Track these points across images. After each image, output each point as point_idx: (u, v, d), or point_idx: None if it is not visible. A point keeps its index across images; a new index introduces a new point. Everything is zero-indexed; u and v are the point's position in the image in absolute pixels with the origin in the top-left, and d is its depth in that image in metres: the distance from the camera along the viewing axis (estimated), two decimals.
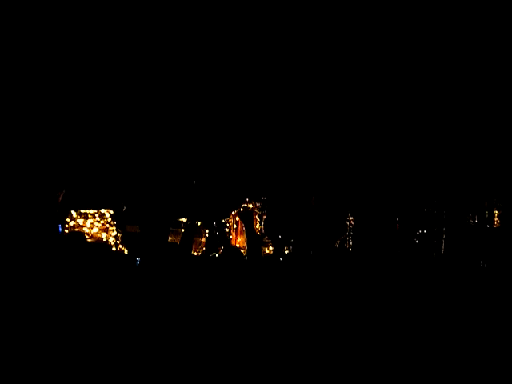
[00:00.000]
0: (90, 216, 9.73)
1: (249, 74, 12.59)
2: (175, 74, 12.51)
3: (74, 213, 9.52)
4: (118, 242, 9.77)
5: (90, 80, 12.18)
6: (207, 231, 10.03)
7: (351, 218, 11.15)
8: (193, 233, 5.70)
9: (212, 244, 9.91)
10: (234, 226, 10.10)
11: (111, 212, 9.88)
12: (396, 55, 12.47)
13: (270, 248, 6.30)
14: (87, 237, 7.96)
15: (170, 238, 8.80)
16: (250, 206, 10.41)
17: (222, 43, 12.35)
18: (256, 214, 9.28)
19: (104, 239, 9.56)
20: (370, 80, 12.60)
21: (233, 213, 10.45)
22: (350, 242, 10.93)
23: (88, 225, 9.67)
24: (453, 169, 12.27)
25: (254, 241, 5.44)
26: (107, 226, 9.77)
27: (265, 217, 10.28)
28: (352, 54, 12.48)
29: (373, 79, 12.59)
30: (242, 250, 7.28)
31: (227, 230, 10.14)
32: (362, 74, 12.59)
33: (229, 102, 12.62)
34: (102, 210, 9.83)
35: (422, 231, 10.93)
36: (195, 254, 8.34)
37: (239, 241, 8.05)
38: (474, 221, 10.84)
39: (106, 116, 12.38)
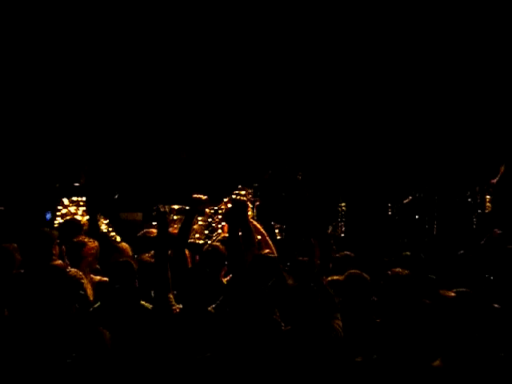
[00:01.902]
0: (82, 203, 9.71)
1: (235, 60, 12.60)
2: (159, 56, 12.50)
3: (66, 200, 9.49)
4: (110, 229, 9.76)
5: (82, 67, 12.18)
6: (199, 218, 10.02)
7: (343, 204, 11.19)
8: (192, 220, 5.65)
9: (205, 231, 9.90)
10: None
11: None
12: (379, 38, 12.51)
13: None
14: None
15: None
16: (243, 192, 10.40)
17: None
18: (248, 201, 9.26)
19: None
20: (357, 66, 12.63)
21: (225, 200, 10.42)
22: (342, 228, 10.98)
23: (80, 212, 9.65)
24: (444, 154, 12.33)
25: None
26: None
27: (257, 203, 10.28)
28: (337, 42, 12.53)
29: (359, 65, 12.63)
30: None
31: (219, 216, 10.13)
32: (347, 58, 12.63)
33: (219, 88, 12.62)
34: None
35: (414, 216, 10.99)
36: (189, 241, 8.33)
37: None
38: (466, 206, 10.89)
39: (95, 102, 12.37)
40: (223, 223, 9.88)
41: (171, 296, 5.01)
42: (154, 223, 8.30)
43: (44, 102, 11.80)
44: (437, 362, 3.98)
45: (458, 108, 12.57)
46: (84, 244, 6.07)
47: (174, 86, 12.55)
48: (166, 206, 7.65)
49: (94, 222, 7.83)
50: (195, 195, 6.18)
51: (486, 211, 10.91)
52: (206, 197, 6.20)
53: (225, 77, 12.60)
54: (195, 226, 9.73)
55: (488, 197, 10.95)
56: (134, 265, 5.33)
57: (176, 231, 6.02)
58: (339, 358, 4.30)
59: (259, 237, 6.52)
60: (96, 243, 6.18)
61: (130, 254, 6.47)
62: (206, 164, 12.15)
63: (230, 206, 9.95)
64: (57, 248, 5.98)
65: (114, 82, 12.30)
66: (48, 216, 9.91)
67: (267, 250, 6.40)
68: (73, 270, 5.49)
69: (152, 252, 5.94)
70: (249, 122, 12.53)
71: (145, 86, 12.42)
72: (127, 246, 6.63)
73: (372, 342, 4.46)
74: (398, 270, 5.29)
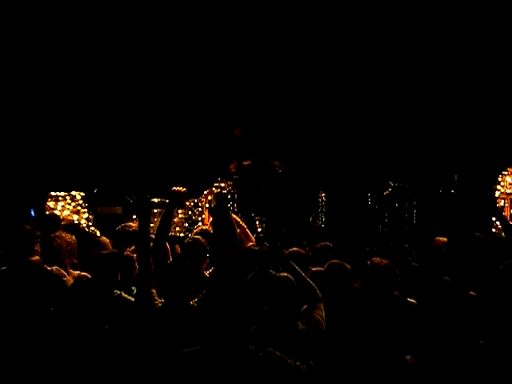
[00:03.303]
0: (60, 198, 9.66)
1: (217, 51, 12.55)
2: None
3: (53, 193, 9.47)
4: (90, 224, 9.72)
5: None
6: (180, 211, 10.00)
7: (323, 194, 11.20)
8: (172, 213, 5.59)
9: (185, 224, 9.89)
10: (207, 205, 10.07)
11: (82, 194, 9.83)
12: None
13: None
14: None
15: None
16: (222, 184, 10.39)
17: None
18: (228, 194, 9.28)
19: (76, 221, 9.51)
20: (339, 56, 12.64)
21: (205, 192, 10.41)
22: (322, 219, 10.99)
23: (59, 207, 9.60)
24: (422, 143, 12.38)
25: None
26: (78, 208, 9.72)
27: (236, 196, 10.28)
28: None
29: (342, 55, 12.64)
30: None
31: (200, 209, 10.12)
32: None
33: (200, 78, 12.57)
34: (73, 193, 9.77)
35: (394, 205, 11.02)
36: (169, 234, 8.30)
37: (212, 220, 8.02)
38: (445, 194, 10.94)
39: (76, 96, 12.27)
40: (203, 215, 9.89)
41: (154, 291, 4.97)
42: (134, 217, 8.27)
43: (21, 96, 11.69)
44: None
45: (438, 98, 12.62)
46: (62, 239, 6.02)
47: (153, 77, 12.48)
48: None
49: None
50: (174, 188, 6.13)
51: (464, 199, 10.96)
52: (184, 189, 6.15)
53: (206, 67, 12.54)
54: (175, 219, 9.72)
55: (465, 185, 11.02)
56: (117, 259, 5.30)
57: (156, 225, 5.98)
58: (323, 348, 4.30)
59: (238, 229, 6.51)
60: (73, 238, 6.14)
61: (110, 248, 6.43)
62: (185, 156, 12.10)
63: (210, 198, 9.96)
64: (38, 246, 5.93)
65: (88, 74, 12.19)
66: (32, 213, 9.85)
67: (250, 243, 6.40)
68: (54, 267, 5.45)
69: (132, 247, 5.90)
70: (228, 113, 12.49)
71: (122, 77, 12.33)
72: (107, 240, 6.59)
73: (354, 332, 4.47)
74: (377, 259, 5.31)
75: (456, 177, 11.02)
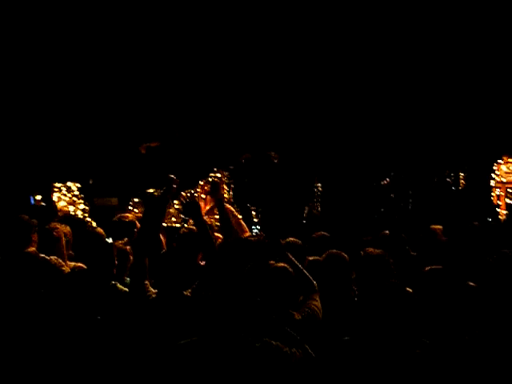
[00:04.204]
0: (56, 190, 9.64)
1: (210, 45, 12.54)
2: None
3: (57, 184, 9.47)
4: (85, 215, 9.70)
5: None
6: (175, 202, 9.98)
7: (319, 185, 11.19)
8: (166, 204, 5.56)
9: (181, 215, 9.86)
10: (203, 195, 10.05)
11: (78, 185, 9.81)
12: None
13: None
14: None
15: (137, 210, 8.75)
16: (218, 175, 10.37)
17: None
18: (224, 183, 9.25)
19: (72, 212, 9.49)
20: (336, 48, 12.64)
21: (201, 182, 10.39)
22: (318, 209, 10.99)
23: (55, 198, 9.59)
24: (418, 131, 12.39)
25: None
26: (74, 199, 9.70)
27: (233, 186, 10.27)
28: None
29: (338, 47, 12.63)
30: (212, 220, 7.20)
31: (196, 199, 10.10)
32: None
33: (197, 71, 12.56)
34: (69, 183, 9.75)
35: (389, 195, 11.03)
36: (164, 225, 8.29)
37: (207, 210, 8.00)
38: (440, 183, 10.96)
39: (73, 90, 12.27)
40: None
41: (147, 282, 4.97)
42: (130, 208, 8.26)
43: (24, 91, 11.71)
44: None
45: (434, 88, 12.62)
46: (57, 229, 6.02)
47: (150, 70, 12.46)
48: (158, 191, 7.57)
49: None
50: (170, 175, 6.13)
51: (460, 188, 10.99)
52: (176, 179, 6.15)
53: (202, 60, 12.52)
54: (171, 210, 9.69)
55: (462, 174, 11.04)
56: (114, 251, 5.30)
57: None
58: (319, 338, 4.31)
59: (233, 220, 6.51)
60: (68, 228, 6.13)
61: (105, 239, 6.42)
62: (181, 147, 12.08)
63: (206, 188, 9.94)
64: (36, 235, 5.93)
65: (86, 66, 12.18)
66: (32, 200, 9.83)
67: (247, 234, 6.40)
68: (53, 257, 5.45)
69: (125, 239, 5.90)
70: (224, 104, 12.47)
71: (119, 71, 12.32)
72: (102, 231, 6.58)
73: (352, 321, 4.48)
74: (370, 249, 5.30)
75: (447, 172, 11.04)
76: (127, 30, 12.19)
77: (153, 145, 10.93)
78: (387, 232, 6.95)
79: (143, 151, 10.91)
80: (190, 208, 5.47)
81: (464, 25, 12.03)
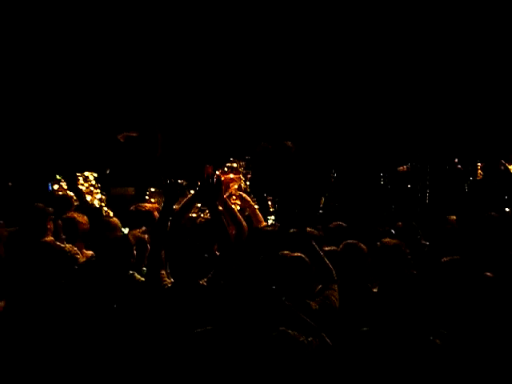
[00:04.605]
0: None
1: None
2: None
3: (57, 176, 9.45)
4: (102, 204, 9.72)
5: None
6: (191, 191, 9.98)
7: (335, 175, 11.15)
8: (177, 193, 5.54)
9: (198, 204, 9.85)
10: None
11: (95, 175, 9.83)
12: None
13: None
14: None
15: (153, 200, 8.75)
16: (234, 165, 10.35)
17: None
18: (241, 173, 9.23)
19: (89, 202, 9.51)
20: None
21: (217, 172, 10.36)
22: (334, 199, 10.95)
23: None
24: (435, 122, 12.32)
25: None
26: (91, 188, 9.71)
27: (249, 176, 10.25)
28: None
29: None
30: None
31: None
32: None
33: (211, 62, 12.55)
34: (86, 173, 9.77)
35: (406, 185, 10.98)
36: None
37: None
38: (457, 174, 10.89)
39: (85, 78, 12.30)
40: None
41: (163, 272, 4.99)
42: (147, 197, 8.27)
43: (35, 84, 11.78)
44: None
45: (447, 78, 12.55)
46: (75, 219, 6.05)
47: (161, 60, 12.47)
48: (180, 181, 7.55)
49: (81, 197, 7.80)
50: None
51: (478, 178, 10.92)
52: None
53: (213, 52, 12.52)
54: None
55: (479, 164, 10.96)
56: (132, 241, 5.31)
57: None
58: (336, 328, 4.31)
59: (248, 210, 6.53)
60: (86, 218, 6.16)
61: (121, 229, 6.45)
62: (197, 137, 12.09)
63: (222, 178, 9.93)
64: (51, 224, 5.96)
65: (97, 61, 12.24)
66: (50, 187, 9.85)
67: (263, 223, 6.41)
68: (68, 245, 5.48)
69: (143, 228, 5.91)
70: (240, 94, 12.46)
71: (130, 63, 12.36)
72: (117, 221, 6.60)
73: (369, 311, 4.47)
74: (386, 240, 5.30)
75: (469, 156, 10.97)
76: (125, 27, 12.22)
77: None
78: (400, 223, 6.95)
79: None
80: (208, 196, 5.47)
81: (475, 12, 11.94)
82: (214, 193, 5.43)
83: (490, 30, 12.06)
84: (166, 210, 5.25)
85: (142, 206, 6.77)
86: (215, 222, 5.27)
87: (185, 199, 5.89)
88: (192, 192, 9.95)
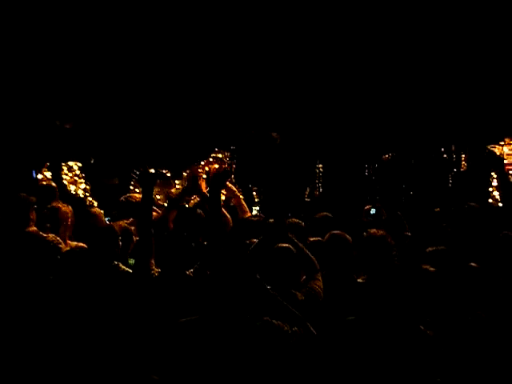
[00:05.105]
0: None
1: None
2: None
3: (44, 165, 9.41)
4: (87, 194, 9.69)
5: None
6: (177, 182, 9.97)
7: (320, 166, 11.19)
8: (151, 182, 5.44)
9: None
10: (204, 176, 10.02)
11: (79, 164, 9.78)
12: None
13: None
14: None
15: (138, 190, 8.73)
16: (220, 155, 10.34)
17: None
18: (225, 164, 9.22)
19: (73, 192, 9.47)
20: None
21: (202, 163, 10.34)
22: (319, 190, 10.99)
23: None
24: (420, 113, 12.35)
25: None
26: (75, 178, 9.67)
27: (234, 166, 10.24)
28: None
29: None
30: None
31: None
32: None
33: (198, 52, 12.51)
34: (70, 163, 9.72)
35: (389, 176, 11.01)
36: (165, 204, 8.27)
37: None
38: (442, 164, 10.94)
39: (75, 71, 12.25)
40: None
41: (152, 261, 4.98)
42: (132, 188, 8.24)
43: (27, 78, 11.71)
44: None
45: (432, 69, 12.57)
46: (59, 209, 6.01)
47: (150, 51, 12.42)
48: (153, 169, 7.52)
49: (61, 187, 7.75)
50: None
51: (462, 169, 10.97)
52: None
53: (205, 43, 12.48)
54: (173, 190, 9.68)
55: (463, 155, 11.02)
56: (118, 231, 5.28)
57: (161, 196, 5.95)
58: (321, 317, 4.32)
59: (233, 200, 6.52)
60: (70, 208, 6.12)
61: (103, 219, 6.42)
62: (183, 127, 12.06)
63: (206, 168, 9.90)
64: (34, 213, 5.92)
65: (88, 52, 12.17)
66: (34, 175, 9.79)
67: (248, 214, 6.40)
68: (51, 235, 5.44)
69: (131, 219, 5.88)
70: (227, 85, 12.43)
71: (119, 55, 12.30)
72: (99, 210, 6.56)
73: (354, 301, 4.48)
74: (373, 230, 5.30)
75: (454, 147, 11.01)
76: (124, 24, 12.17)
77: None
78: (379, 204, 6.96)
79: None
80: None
81: (474, 8, 11.98)
82: (219, 182, 5.41)
83: (475, 22, 12.09)
84: (145, 200, 5.21)
85: (132, 197, 6.73)
86: (214, 211, 5.23)
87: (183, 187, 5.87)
88: (177, 182, 9.97)
